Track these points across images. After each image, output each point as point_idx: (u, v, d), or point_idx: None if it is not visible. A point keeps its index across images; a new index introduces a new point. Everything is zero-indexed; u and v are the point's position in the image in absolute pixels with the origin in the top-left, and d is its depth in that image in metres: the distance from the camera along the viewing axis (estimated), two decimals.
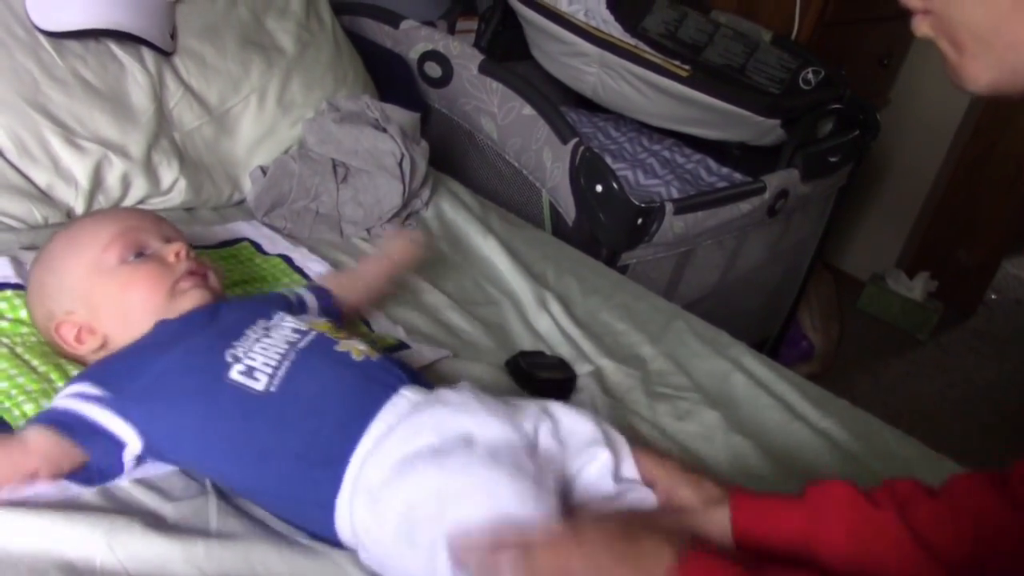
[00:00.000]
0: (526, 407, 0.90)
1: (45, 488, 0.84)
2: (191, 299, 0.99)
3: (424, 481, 0.79)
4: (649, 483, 0.89)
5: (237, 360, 0.90)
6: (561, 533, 0.76)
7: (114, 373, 0.91)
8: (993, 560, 0.77)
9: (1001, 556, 0.76)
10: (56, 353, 1.01)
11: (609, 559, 0.72)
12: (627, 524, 0.79)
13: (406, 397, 0.89)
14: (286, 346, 0.92)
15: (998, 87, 0.65)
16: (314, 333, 0.96)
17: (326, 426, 0.86)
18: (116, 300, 0.97)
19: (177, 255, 1.00)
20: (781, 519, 0.84)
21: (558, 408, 0.91)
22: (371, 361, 0.93)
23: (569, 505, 0.84)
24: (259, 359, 0.90)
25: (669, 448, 1.15)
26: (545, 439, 0.87)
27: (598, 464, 0.87)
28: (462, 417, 0.85)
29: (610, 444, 0.89)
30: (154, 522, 0.83)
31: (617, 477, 0.88)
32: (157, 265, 0.99)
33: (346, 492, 0.84)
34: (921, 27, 0.68)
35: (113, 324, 0.97)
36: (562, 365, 1.26)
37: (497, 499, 0.77)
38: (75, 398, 0.88)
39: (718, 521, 0.85)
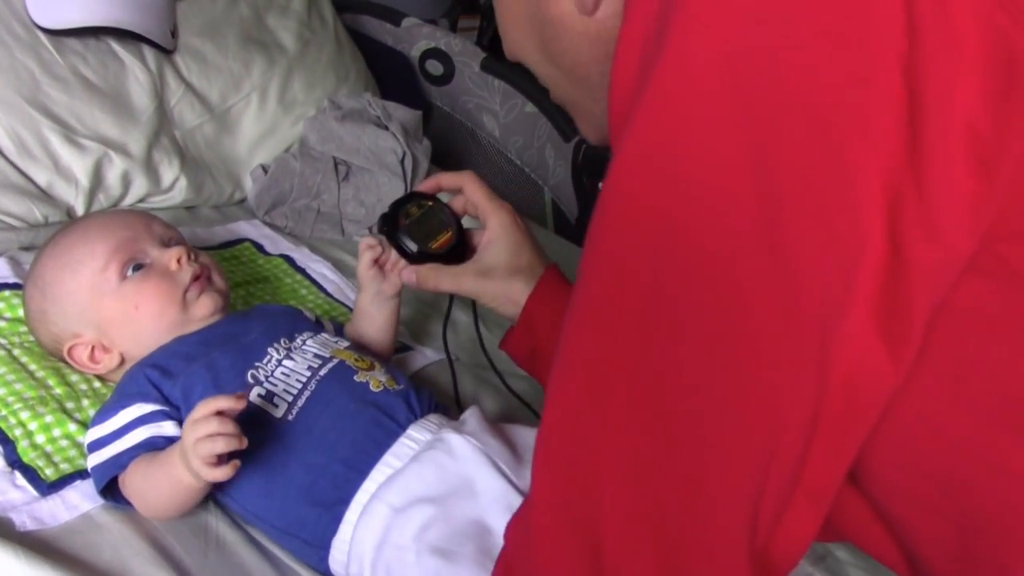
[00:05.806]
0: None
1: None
2: (204, 306, 0.97)
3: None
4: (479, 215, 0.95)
5: (258, 383, 0.89)
6: None
7: (150, 381, 0.90)
8: None
9: None
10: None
11: None
12: None
13: (412, 438, 0.87)
14: (308, 373, 0.91)
15: (606, 142, 0.64)
16: (336, 361, 0.93)
17: (333, 464, 0.84)
18: (127, 319, 0.94)
19: (179, 261, 0.96)
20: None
21: None
22: (389, 392, 0.91)
23: None
24: (280, 385, 0.89)
25: None
26: None
27: None
28: (464, 468, 0.84)
29: None
30: (153, 543, 0.82)
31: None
32: (161, 277, 0.96)
33: (344, 535, 0.82)
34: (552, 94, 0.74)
35: (128, 342, 0.95)
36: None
37: None
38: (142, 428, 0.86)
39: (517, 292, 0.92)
